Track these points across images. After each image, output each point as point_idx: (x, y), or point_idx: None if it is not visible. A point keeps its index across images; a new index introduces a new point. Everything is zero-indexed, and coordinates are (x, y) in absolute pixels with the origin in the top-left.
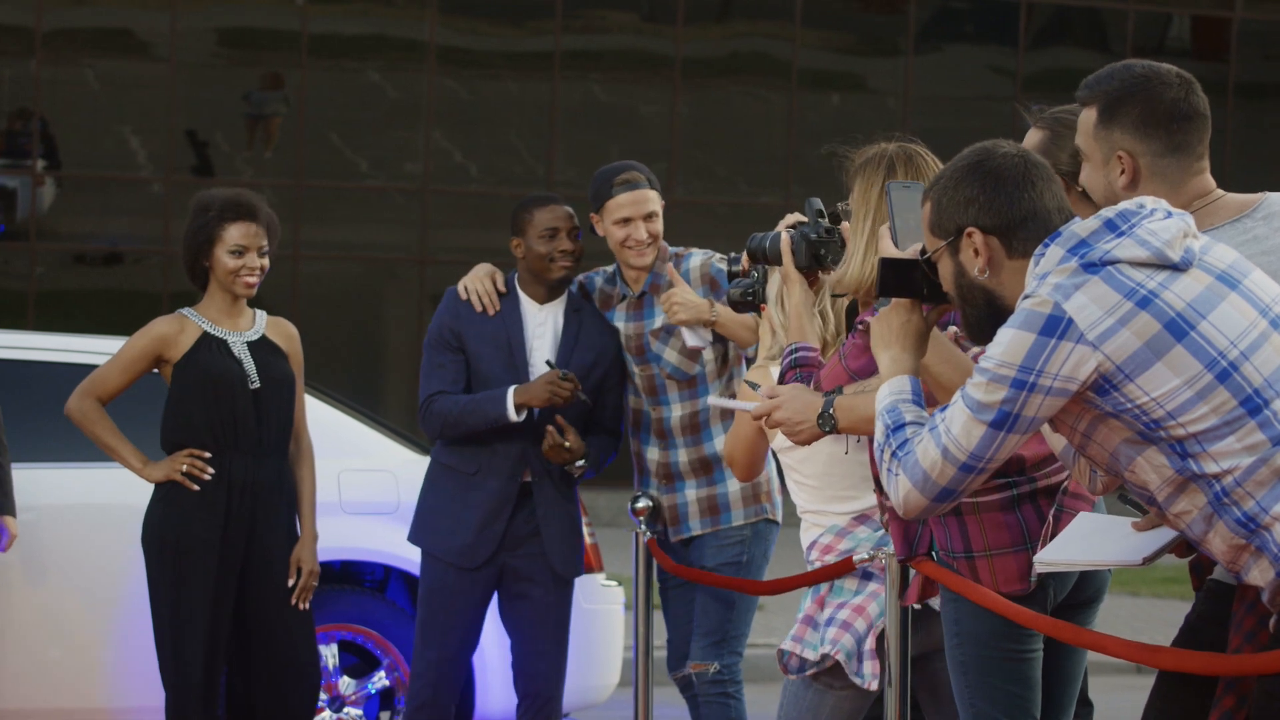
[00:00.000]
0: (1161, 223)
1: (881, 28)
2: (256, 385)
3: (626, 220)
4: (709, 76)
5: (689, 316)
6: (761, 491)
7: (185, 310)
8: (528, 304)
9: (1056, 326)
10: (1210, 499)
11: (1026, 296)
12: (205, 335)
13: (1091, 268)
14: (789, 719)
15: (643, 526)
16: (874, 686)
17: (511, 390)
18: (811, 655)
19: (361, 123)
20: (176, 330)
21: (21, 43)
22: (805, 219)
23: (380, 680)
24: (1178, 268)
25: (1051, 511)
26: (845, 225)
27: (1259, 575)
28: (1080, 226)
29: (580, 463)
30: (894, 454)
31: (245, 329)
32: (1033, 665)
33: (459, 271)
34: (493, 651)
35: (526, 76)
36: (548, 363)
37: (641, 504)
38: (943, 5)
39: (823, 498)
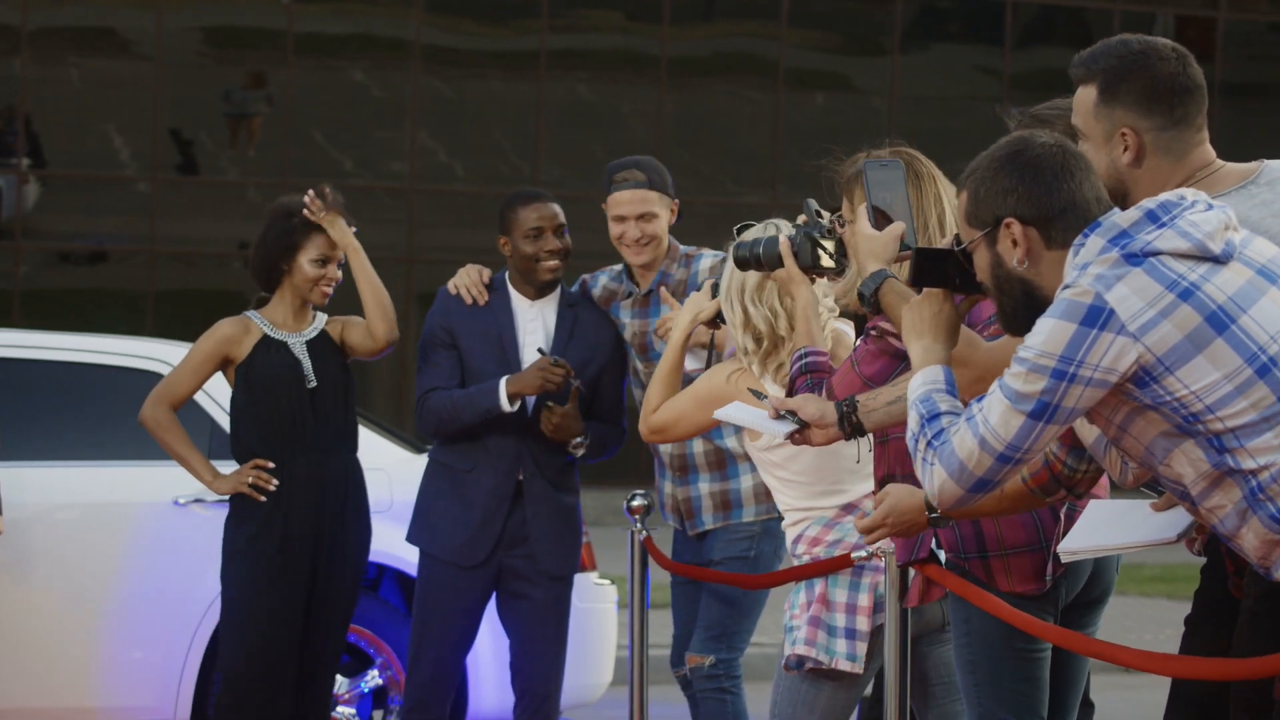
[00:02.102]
0: (1203, 214)
1: (867, 27)
2: (314, 384)
3: (621, 218)
4: (694, 76)
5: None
6: None
7: (250, 313)
8: (519, 300)
9: (1098, 317)
10: (1246, 494)
11: (1067, 286)
12: (265, 338)
13: (1133, 259)
14: (783, 714)
15: (639, 524)
16: (843, 666)
17: (504, 380)
18: (825, 659)
19: (347, 122)
20: (241, 331)
21: (7, 41)
22: (751, 229)
23: (373, 679)
24: (1219, 260)
25: (1064, 510)
26: (841, 229)
27: None
28: (1121, 217)
29: (578, 439)
30: (929, 444)
31: (304, 330)
32: (1041, 665)
33: (445, 271)
34: (486, 651)
35: (512, 76)
36: (539, 350)
37: (638, 502)
38: (928, 5)
39: (810, 493)
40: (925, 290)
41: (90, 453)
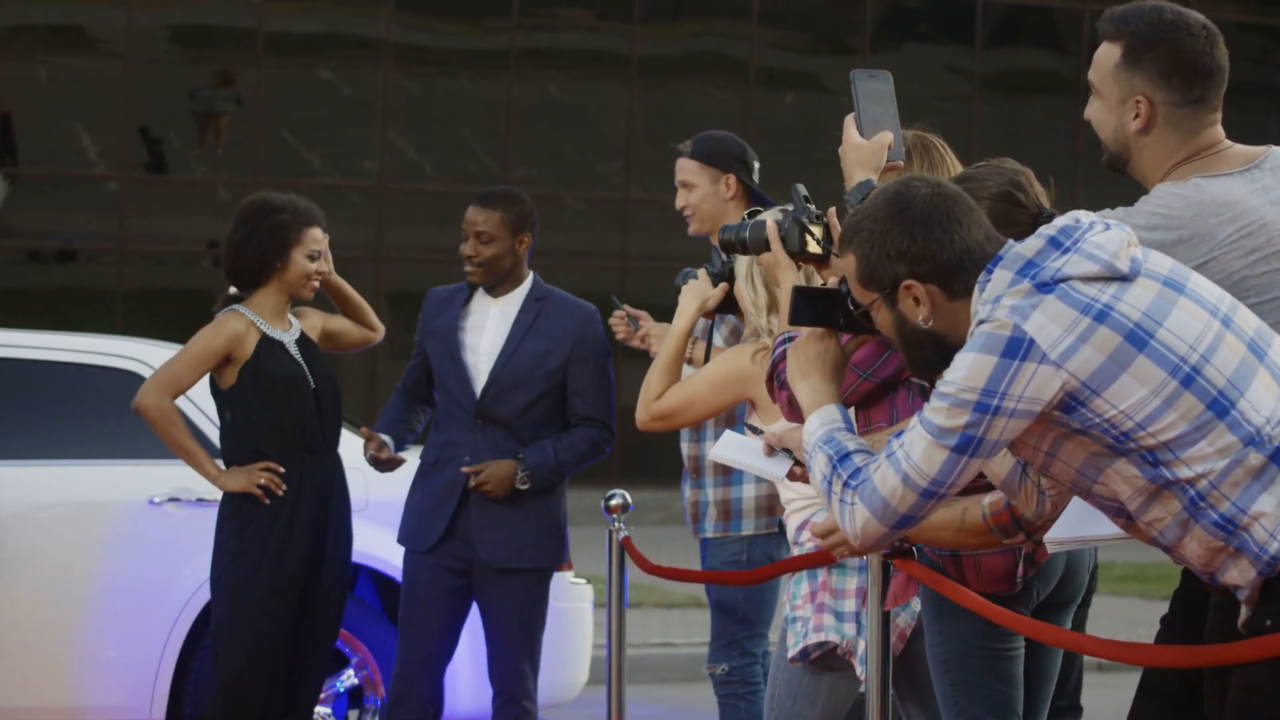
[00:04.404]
0: (1104, 235)
1: (838, 27)
2: (314, 386)
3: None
4: (665, 75)
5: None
6: (778, 503)
7: (239, 308)
8: (482, 296)
9: (1018, 348)
10: (1185, 504)
11: (982, 321)
12: (266, 337)
13: (1044, 287)
14: (783, 707)
15: (617, 523)
16: (859, 648)
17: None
18: (838, 639)
19: (317, 120)
20: (245, 328)
21: None
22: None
23: (349, 679)
24: (1127, 278)
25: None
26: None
27: (1238, 575)
28: (1024, 247)
29: (520, 475)
30: (845, 484)
31: (289, 329)
32: (1015, 663)
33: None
34: (463, 651)
35: (482, 75)
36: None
37: (616, 501)
38: (899, 4)
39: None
40: (808, 330)
41: (64, 451)
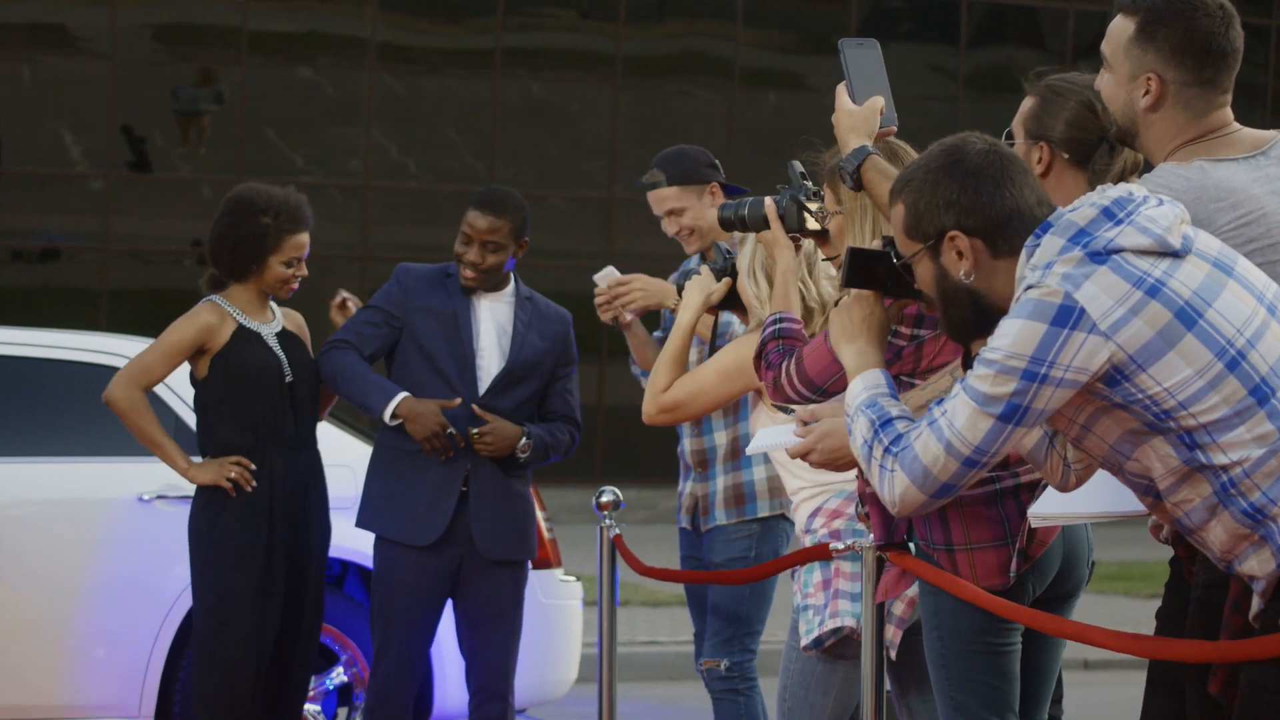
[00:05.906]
0: (1158, 210)
1: (822, 26)
2: (290, 379)
3: (660, 216)
4: (650, 75)
5: (649, 304)
6: None
7: (216, 299)
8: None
9: (1069, 317)
10: (1216, 489)
11: (1031, 286)
12: (241, 328)
13: (1098, 257)
14: (796, 697)
15: (608, 521)
16: (891, 654)
17: (401, 397)
18: (854, 623)
19: (301, 119)
20: (219, 320)
21: None
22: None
23: (338, 676)
24: (1178, 255)
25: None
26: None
27: (1257, 566)
28: (1077, 215)
29: (522, 441)
30: (887, 450)
31: (269, 321)
32: (1012, 659)
33: None
34: (450, 648)
35: (467, 74)
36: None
37: (606, 498)
38: (883, 4)
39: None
40: (855, 293)
41: (53, 448)
